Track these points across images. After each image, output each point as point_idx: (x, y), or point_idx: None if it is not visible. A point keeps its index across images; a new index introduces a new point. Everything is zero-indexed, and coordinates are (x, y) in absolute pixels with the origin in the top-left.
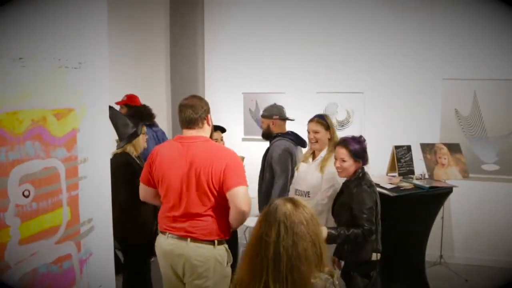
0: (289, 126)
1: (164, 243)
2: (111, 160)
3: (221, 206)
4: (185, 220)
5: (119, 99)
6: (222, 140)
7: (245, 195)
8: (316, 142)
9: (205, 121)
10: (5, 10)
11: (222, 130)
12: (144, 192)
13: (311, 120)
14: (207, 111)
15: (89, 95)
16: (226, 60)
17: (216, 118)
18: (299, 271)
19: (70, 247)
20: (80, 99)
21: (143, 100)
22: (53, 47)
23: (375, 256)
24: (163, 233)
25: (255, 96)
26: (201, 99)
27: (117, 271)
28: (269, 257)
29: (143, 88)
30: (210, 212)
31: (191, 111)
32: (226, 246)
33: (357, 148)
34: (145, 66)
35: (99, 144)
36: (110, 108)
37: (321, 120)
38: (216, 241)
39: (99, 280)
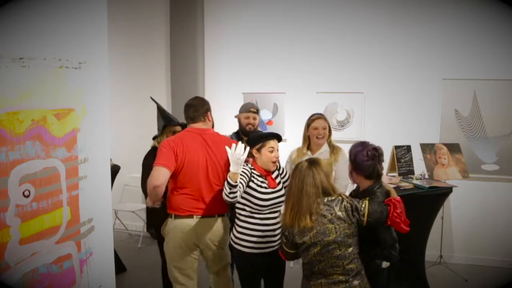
0: (289, 126)
1: (192, 224)
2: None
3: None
4: (211, 200)
5: (120, 99)
6: (277, 150)
7: None
8: (323, 137)
9: (206, 117)
10: (5, 10)
11: (279, 139)
12: (165, 177)
13: (319, 117)
14: (208, 109)
15: (89, 95)
16: (226, 60)
17: (216, 118)
18: (302, 202)
19: (71, 247)
20: (80, 99)
21: (143, 100)
22: (53, 47)
23: None
24: (188, 216)
25: (255, 96)
26: (202, 99)
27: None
28: (290, 195)
29: (143, 88)
30: (221, 190)
31: (193, 109)
32: None
33: None
34: (145, 66)
35: (99, 144)
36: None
37: (326, 117)
38: (226, 213)
39: (99, 280)
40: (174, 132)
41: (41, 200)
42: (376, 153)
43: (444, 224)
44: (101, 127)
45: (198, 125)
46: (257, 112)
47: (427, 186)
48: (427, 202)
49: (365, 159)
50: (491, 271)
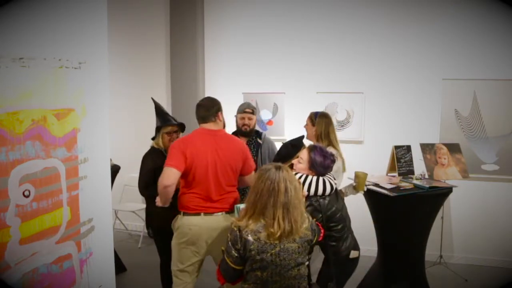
0: (289, 126)
1: (201, 221)
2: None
3: (236, 183)
4: (219, 199)
5: (120, 99)
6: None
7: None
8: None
9: (217, 117)
10: (5, 10)
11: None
12: (175, 177)
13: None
14: (218, 109)
15: (89, 95)
16: (226, 60)
17: None
18: (298, 209)
19: (71, 247)
20: (80, 99)
21: (143, 100)
22: (53, 47)
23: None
24: (196, 214)
25: (255, 96)
26: (213, 100)
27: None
28: (280, 202)
29: (143, 88)
30: (232, 189)
31: (204, 109)
32: None
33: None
34: (145, 66)
35: (99, 144)
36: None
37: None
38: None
39: (99, 280)
40: (169, 133)
41: (41, 200)
42: (334, 159)
43: (444, 224)
44: (101, 127)
45: (209, 125)
46: (252, 112)
47: (427, 186)
48: (427, 202)
49: (331, 165)
50: (491, 271)
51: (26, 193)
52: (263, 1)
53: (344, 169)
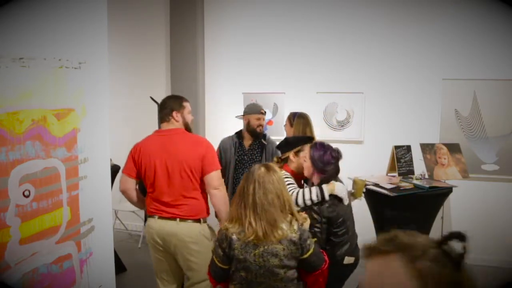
0: None
1: (155, 224)
2: None
3: (201, 189)
4: (173, 203)
5: (119, 99)
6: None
7: (219, 177)
8: None
9: (171, 117)
10: (5, 10)
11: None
12: (127, 183)
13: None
14: (174, 108)
15: (89, 95)
16: (226, 60)
17: (216, 118)
18: (270, 212)
19: (71, 247)
20: (80, 99)
21: (143, 100)
22: (53, 47)
23: None
24: (152, 216)
25: (255, 96)
26: (170, 98)
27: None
28: (249, 203)
29: (143, 88)
30: (193, 195)
31: (159, 110)
32: (209, 224)
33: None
34: (145, 66)
35: (99, 144)
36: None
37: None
38: (201, 220)
39: (99, 280)
40: None
41: (41, 200)
42: (338, 155)
43: (444, 224)
44: (101, 127)
45: (163, 126)
46: (265, 113)
47: (427, 186)
48: (427, 202)
49: (331, 161)
50: (491, 271)
51: (26, 193)
52: (263, 1)
53: None
